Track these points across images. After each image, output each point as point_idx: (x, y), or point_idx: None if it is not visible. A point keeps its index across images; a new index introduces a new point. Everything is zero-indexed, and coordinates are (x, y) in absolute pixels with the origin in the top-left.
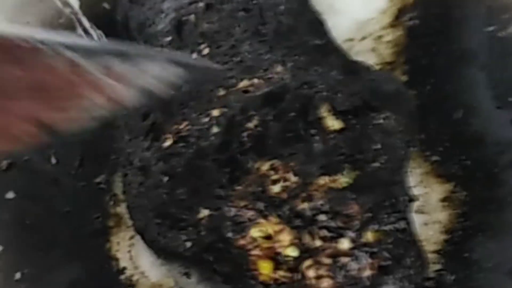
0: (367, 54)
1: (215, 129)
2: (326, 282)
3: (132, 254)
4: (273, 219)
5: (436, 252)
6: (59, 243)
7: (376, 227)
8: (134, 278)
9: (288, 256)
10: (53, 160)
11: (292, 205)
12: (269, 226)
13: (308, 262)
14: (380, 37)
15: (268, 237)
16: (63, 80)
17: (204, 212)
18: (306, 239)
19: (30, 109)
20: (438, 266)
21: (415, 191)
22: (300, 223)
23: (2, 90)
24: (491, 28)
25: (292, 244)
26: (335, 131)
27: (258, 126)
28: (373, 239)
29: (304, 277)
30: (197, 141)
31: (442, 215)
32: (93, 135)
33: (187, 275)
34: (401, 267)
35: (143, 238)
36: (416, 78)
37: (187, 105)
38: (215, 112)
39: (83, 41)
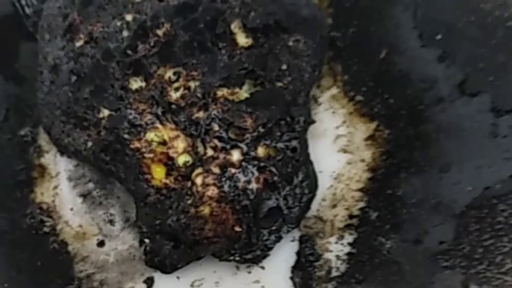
0: None
1: (125, 33)
2: (212, 190)
3: (56, 204)
4: (170, 125)
5: (360, 190)
6: None
7: (268, 142)
8: (58, 227)
9: (180, 163)
10: None
11: (189, 113)
12: (165, 131)
13: (198, 170)
14: None
15: (163, 143)
16: None
17: (105, 112)
18: (199, 147)
19: None
20: (362, 204)
21: (339, 131)
22: (195, 132)
23: None
24: None
25: (185, 151)
26: (243, 47)
27: (167, 34)
28: (263, 154)
29: (193, 184)
30: (106, 43)
31: (366, 154)
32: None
33: (111, 222)
34: (288, 185)
35: (49, 135)
36: (340, 21)
37: (104, 8)
38: (128, 17)
39: None
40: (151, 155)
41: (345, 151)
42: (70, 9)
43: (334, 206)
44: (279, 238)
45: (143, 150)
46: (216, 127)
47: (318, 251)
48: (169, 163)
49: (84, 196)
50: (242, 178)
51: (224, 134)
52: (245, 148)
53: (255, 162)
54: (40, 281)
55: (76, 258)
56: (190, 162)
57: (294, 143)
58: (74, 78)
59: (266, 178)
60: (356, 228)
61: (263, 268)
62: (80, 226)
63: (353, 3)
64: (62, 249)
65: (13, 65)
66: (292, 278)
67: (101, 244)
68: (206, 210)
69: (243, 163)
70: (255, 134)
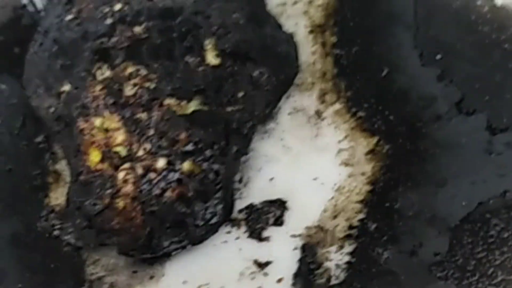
0: (299, 17)
1: (108, 21)
2: (128, 187)
3: None
4: (116, 117)
5: (360, 202)
6: (0, 199)
7: (194, 159)
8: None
9: (115, 153)
10: None
11: (134, 111)
12: (110, 121)
13: (125, 165)
14: (311, 1)
15: (106, 130)
16: None
17: (66, 87)
18: (134, 145)
19: None
20: (361, 216)
21: (341, 145)
22: (134, 130)
23: None
24: None
25: (122, 144)
26: (208, 65)
27: (142, 33)
28: (187, 169)
29: (116, 177)
30: (88, 24)
31: (366, 168)
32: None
33: None
34: (201, 203)
35: (25, 91)
36: (345, 39)
37: None
38: (117, 6)
39: None
40: (92, 139)
41: (346, 165)
42: None
43: (335, 217)
44: (178, 249)
45: (86, 131)
46: (151, 131)
47: (319, 259)
48: (106, 151)
49: None
50: (160, 185)
51: (156, 140)
52: (171, 159)
53: (176, 174)
54: (52, 283)
55: (87, 261)
56: (123, 155)
57: (219, 167)
58: (55, 47)
59: (182, 192)
60: (355, 238)
61: (265, 274)
62: None
63: (357, 23)
64: (75, 252)
65: None
66: (293, 285)
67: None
68: (120, 203)
69: (165, 172)
70: (184, 148)
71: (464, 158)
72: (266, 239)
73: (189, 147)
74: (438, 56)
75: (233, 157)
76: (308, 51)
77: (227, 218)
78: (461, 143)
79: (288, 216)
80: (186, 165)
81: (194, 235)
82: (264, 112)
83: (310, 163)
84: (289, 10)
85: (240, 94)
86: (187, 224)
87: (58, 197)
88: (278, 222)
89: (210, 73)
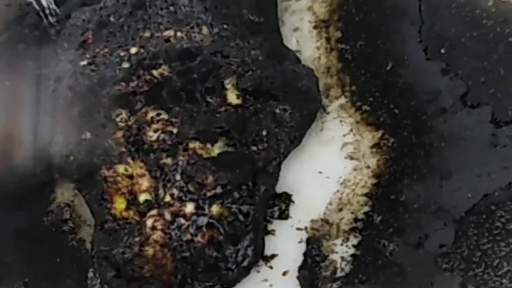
0: (303, 13)
1: (125, 65)
2: (158, 234)
3: (75, 204)
4: (139, 163)
5: (365, 195)
6: (5, 194)
7: (223, 202)
8: (77, 226)
9: (141, 200)
10: None
11: (158, 157)
12: (133, 167)
13: (152, 212)
14: None
15: (130, 177)
16: None
17: (87, 135)
18: (160, 191)
19: None
20: (366, 208)
21: (346, 139)
22: (159, 175)
23: None
24: None
25: (147, 191)
26: (230, 104)
27: (162, 76)
28: (216, 213)
29: (144, 224)
30: (105, 70)
31: (371, 161)
32: None
33: None
34: (232, 246)
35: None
36: (349, 34)
37: (115, 34)
38: (133, 50)
39: None
40: (116, 186)
41: (351, 158)
42: (90, 25)
43: (340, 210)
44: None
45: (110, 179)
46: (178, 176)
47: (324, 252)
48: (131, 198)
49: None
50: (190, 230)
51: (183, 185)
52: (200, 203)
53: (206, 219)
54: (58, 277)
55: None
56: (149, 202)
57: (249, 209)
58: (70, 94)
59: (212, 235)
60: (360, 231)
61: (271, 267)
62: None
63: (361, 18)
64: (80, 246)
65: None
66: (299, 278)
67: None
68: (149, 251)
69: (194, 217)
70: (212, 192)
71: (469, 151)
72: (272, 232)
73: (217, 190)
74: (443, 50)
75: (262, 197)
76: (313, 46)
77: (259, 259)
78: (466, 136)
79: (293, 210)
80: (216, 209)
81: (227, 278)
82: (289, 148)
83: (315, 157)
84: (294, 6)
85: (264, 132)
86: (220, 268)
87: (63, 192)
88: (283, 215)
89: (233, 113)
